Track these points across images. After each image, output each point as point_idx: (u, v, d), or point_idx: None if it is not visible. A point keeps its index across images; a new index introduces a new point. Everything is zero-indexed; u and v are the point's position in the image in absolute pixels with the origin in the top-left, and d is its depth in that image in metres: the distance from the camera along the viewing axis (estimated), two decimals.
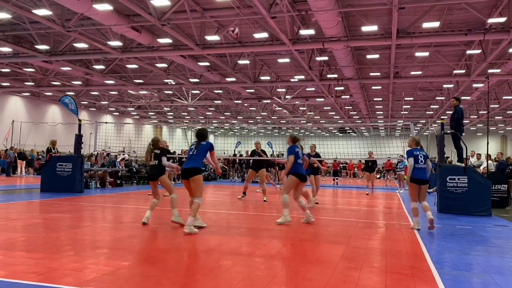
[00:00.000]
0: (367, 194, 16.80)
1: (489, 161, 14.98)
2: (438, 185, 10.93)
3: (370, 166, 17.57)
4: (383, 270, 4.75)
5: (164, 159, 7.65)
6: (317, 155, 13.09)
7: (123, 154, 20.00)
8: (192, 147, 7.14)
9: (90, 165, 16.53)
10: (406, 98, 32.22)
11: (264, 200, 12.49)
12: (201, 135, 7.14)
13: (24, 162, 23.81)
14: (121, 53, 19.48)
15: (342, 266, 4.85)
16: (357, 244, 6.20)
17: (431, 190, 17.53)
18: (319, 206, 11.66)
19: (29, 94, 34.26)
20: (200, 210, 7.54)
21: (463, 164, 10.92)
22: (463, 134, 11.44)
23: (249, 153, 14.76)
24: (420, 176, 7.70)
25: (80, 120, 14.29)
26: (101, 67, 24.42)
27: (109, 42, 18.53)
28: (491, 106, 31.23)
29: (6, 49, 20.12)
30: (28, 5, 15.25)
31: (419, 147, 8.02)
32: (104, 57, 20.70)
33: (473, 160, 16.07)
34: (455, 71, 22.53)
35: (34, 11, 15.03)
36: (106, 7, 14.07)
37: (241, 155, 23.87)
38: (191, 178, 6.81)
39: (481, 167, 15.09)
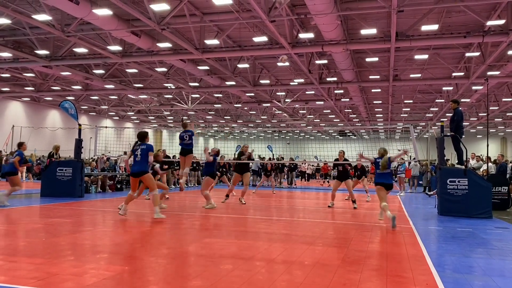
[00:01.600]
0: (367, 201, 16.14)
1: (490, 163, 14.98)
2: (439, 188, 10.92)
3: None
4: (383, 273, 4.74)
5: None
6: (345, 160, 13.09)
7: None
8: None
9: (90, 170, 16.52)
10: (405, 101, 32.26)
11: (242, 203, 12.52)
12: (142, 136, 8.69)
13: (25, 167, 23.80)
14: (121, 57, 19.52)
15: (343, 269, 4.85)
16: (357, 247, 6.19)
17: (431, 192, 17.54)
18: (317, 209, 11.65)
19: (29, 99, 34.31)
20: (202, 214, 7.52)
21: (463, 167, 10.92)
22: (463, 136, 11.45)
23: (236, 155, 14.72)
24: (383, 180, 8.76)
25: (80, 125, 14.29)
26: (101, 71, 24.46)
27: (108, 47, 18.58)
28: (490, 108, 31.25)
29: (6, 54, 20.16)
30: (28, 11, 15.29)
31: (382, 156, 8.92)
32: (104, 61, 20.74)
33: (472, 163, 16.07)
34: (454, 74, 22.56)
35: (34, 16, 15.07)
36: (106, 12, 14.11)
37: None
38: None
39: (481, 169, 15.08)
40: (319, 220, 9.68)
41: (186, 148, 10.65)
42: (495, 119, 39.70)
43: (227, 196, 12.98)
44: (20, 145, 11.40)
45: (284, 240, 6.77)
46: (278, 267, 4.99)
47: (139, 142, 8.67)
